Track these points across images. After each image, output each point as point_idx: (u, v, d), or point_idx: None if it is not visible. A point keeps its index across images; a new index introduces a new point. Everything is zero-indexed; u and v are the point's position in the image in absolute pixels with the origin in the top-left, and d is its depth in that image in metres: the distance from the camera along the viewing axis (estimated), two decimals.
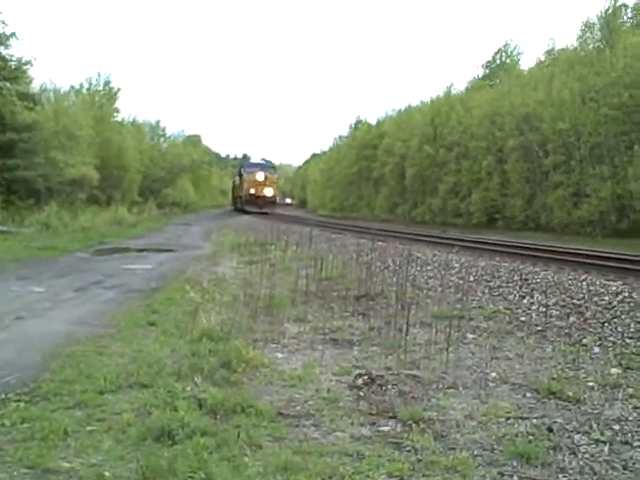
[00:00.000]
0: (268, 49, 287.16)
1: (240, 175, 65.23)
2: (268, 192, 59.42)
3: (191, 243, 26.22)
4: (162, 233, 33.64)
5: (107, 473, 4.15)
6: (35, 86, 40.87)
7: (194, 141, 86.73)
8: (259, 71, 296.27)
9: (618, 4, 35.97)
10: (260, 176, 59.19)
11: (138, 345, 7.56)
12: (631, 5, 36.79)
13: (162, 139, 75.80)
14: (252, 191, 58.38)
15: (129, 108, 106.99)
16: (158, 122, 75.78)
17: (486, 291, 10.94)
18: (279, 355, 7.25)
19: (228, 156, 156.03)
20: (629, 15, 37.13)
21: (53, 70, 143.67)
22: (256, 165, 64.11)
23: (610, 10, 35.68)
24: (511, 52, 53.38)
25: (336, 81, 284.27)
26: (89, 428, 4.92)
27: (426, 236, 19.09)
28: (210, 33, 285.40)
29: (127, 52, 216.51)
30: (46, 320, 9.38)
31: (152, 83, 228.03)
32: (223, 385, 5.84)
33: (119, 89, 54.51)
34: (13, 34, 32.78)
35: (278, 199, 79.42)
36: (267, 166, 64.58)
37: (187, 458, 4.20)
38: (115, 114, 54.71)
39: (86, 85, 52.37)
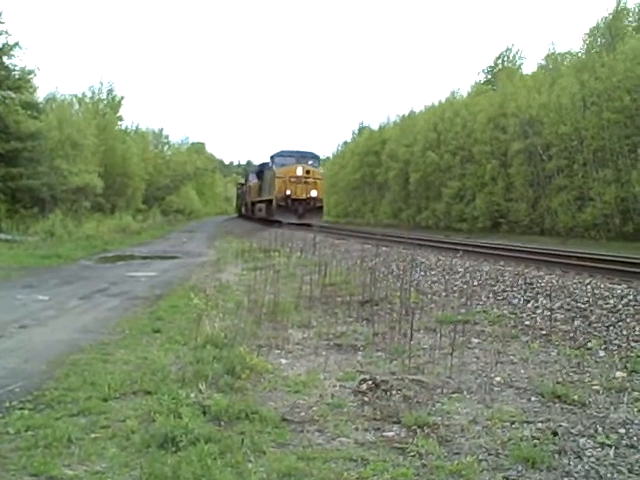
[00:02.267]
0: (271, 55, 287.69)
1: (259, 173, 48.20)
2: (312, 193, 38.34)
3: (195, 250, 26.23)
4: (166, 240, 33.69)
5: None
6: (39, 95, 41.06)
7: (198, 148, 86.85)
8: (263, 77, 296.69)
9: (620, 7, 36.01)
10: (300, 170, 38.61)
11: (142, 352, 7.56)
12: (632, 9, 36.84)
13: (166, 147, 76.04)
14: (288, 192, 37.92)
15: (133, 116, 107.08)
16: (161, 130, 76.12)
17: (490, 295, 10.91)
18: (283, 361, 7.24)
19: (232, 163, 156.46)
20: (630, 19, 37.16)
21: (57, 79, 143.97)
22: (292, 154, 41.41)
23: (612, 14, 35.72)
24: (513, 56, 53.43)
25: (339, 87, 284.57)
26: (93, 435, 4.91)
27: (430, 241, 19.07)
28: (214, 40, 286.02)
29: (130, 60, 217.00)
30: (50, 328, 9.38)
31: (156, 91, 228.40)
32: (227, 391, 5.83)
33: (122, 97, 54.90)
34: (17, 44, 33.06)
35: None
36: (309, 155, 42.10)
37: (191, 465, 4.19)
38: (119, 122, 54.96)
39: (89, 94, 52.76)
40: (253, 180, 52.79)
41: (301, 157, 40.10)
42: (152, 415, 5.17)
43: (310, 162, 40.05)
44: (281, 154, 40.86)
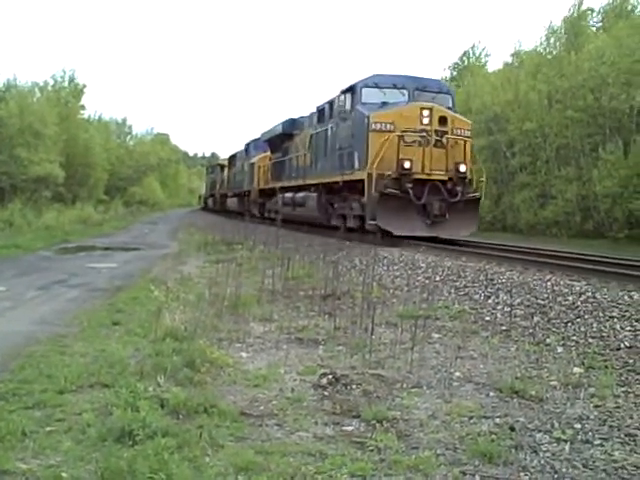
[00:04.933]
0: (236, 46, 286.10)
1: (282, 136, 27.89)
2: (461, 167, 17.17)
3: (157, 242, 26.03)
4: (128, 232, 33.36)
5: (65, 474, 4.07)
6: None
7: (162, 139, 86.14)
8: (228, 69, 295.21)
9: (583, 8, 36.49)
10: (426, 115, 16.94)
11: (101, 345, 7.46)
12: (597, 9, 37.34)
13: (129, 137, 75.25)
14: (406, 164, 16.58)
15: (95, 105, 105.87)
16: (125, 120, 75.36)
17: (452, 291, 10.98)
18: (244, 355, 7.20)
19: (196, 155, 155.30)
20: (595, 20, 37.67)
21: (17, 67, 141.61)
22: (398, 82, 18.73)
23: (575, 14, 36.14)
24: (479, 54, 53.72)
25: (305, 79, 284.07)
26: (48, 429, 4.83)
27: (394, 236, 19.08)
28: (179, 31, 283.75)
29: (93, 48, 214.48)
30: (7, 319, 9.22)
31: (120, 80, 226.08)
32: (186, 385, 5.78)
33: (85, 86, 54.04)
34: None
35: None
36: (433, 85, 19.43)
37: (147, 459, 4.14)
38: (81, 111, 54.14)
39: (51, 82, 51.79)
40: (254, 155, 35.02)
41: (419, 89, 18.57)
42: (109, 408, 5.10)
43: (440, 100, 18.46)
44: (372, 82, 18.61)
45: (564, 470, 4.18)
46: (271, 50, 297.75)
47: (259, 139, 34.60)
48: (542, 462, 4.30)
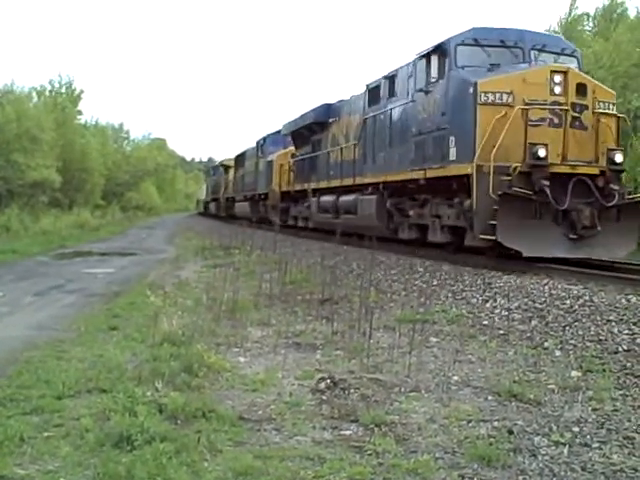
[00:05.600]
0: (234, 51, 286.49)
1: (318, 125, 22.81)
2: (617, 157, 12.07)
3: (154, 247, 26.01)
4: (125, 237, 33.36)
5: None
6: None
7: (159, 144, 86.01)
8: (226, 75, 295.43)
9: (579, 13, 36.53)
10: (558, 83, 11.83)
11: (98, 350, 7.45)
12: (592, 14, 37.37)
13: (126, 142, 75.21)
14: (541, 151, 11.48)
15: (92, 110, 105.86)
16: (122, 125, 75.29)
17: (449, 295, 10.98)
18: (241, 359, 7.19)
19: (193, 159, 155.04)
20: (590, 25, 37.68)
21: (14, 72, 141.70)
22: (508, 36, 13.43)
23: (570, 19, 36.20)
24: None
25: (303, 83, 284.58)
26: (46, 434, 4.82)
27: (393, 240, 19.07)
28: (176, 36, 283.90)
29: (90, 53, 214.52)
30: (4, 325, 9.22)
31: (117, 85, 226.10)
32: (184, 390, 5.77)
33: (82, 91, 53.98)
34: None
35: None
36: (557, 44, 14.14)
37: (146, 464, 4.13)
38: (78, 117, 54.11)
39: (48, 87, 51.75)
40: (272, 152, 30.61)
41: (537, 47, 13.71)
42: (107, 413, 5.10)
43: (571, 63, 13.62)
44: (471, 37, 13.47)
45: (563, 473, 4.19)
46: (269, 55, 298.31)
47: (278, 133, 30.53)
48: (541, 465, 4.31)
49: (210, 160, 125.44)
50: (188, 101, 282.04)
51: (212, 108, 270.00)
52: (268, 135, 32.96)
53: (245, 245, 19.51)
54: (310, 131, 23.65)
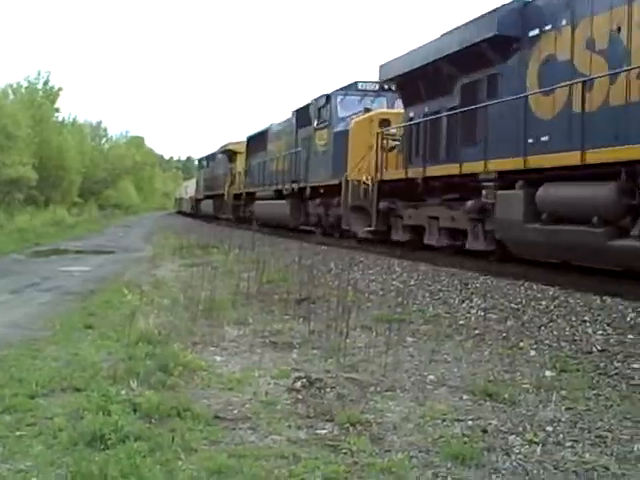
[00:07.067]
0: (212, 50, 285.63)
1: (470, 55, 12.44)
2: None
3: (132, 245, 25.87)
4: (102, 235, 33.16)
5: (35, 479, 4.03)
6: None
7: (137, 142, 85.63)
8: (205, 74, 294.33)
9: None
10: None
11: (73, 348, 7.38)
12: None
13: (104, 140, 74.80)
14: None
15: (70, 108, 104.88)
16: (100, 122, 74.94)
17: (427, 295, 11.03)
18: (218, 358, 7.16)
19: (172, 158, 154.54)
20: None
21: None
22: None
23: None
24: None
25: (281, 81, 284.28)
26: (18, 433, 4.76)
27: (371, 241, 19.12)
28: (155, 34, 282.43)
29: (69, 51, 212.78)
30: None
31: (95, 83, 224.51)
32: (159, 389, 5.73)
33: (60, 89, 53.55)
34: None
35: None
36: None
37: (119, 463, 4.10)
38: (55, 114, 53.67)
39: (25, 84, 51.28)
40: (344, 117, 20.29)
41: None
42: (81, 412, 5.04)
43: None
44: None
45: (535, 472, 4.21)
46: (250, 55, 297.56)
47: (354, 85, 20.41)
48: (514, 464, 4.33)
49: (189, 159, 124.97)
50: (167, 100, 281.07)
51: (191, 107, 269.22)
52: (334, 92, 20.78)
53: (223, 244, 19.48)
54: (449, 76, 13.75)
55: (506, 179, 11.71)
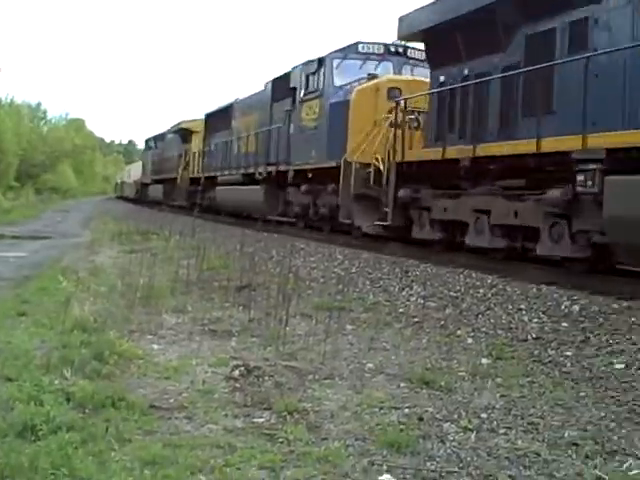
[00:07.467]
0: (157, 31, 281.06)
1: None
2: None
3: (69, 231, 25.35)
4: (39, 220, 32.41)
5: None
6: None
7: (77, 125, 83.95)
8: (148, 56, 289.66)
9: None
10: None
11: (5, 336, 7.16)
12: None
13: (42, 122, 73.05)
14: None
15: (7, 88, 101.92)
16: (39, 104, 73.17)
17: (367, 282, 11.09)
18: (155, 346, 7.06)
19: (113, 142, 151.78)
20: None
21: None
22: None
23: None
24: None
25: (227, 65, 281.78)
26: None
27: (312, 228, 19.14)
28: (98, 12, 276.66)
29: (5, 27, 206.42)
30: None
31: (34, 63, 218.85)
32: (94, 378, 5.62)
33: None
34: None
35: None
36: None
37: (50, 454, 4.00)
38: None
39: None
40: (348, 81, 16.54)
41: None
42: (11, 403, 4.91)
43: None
44: None
45: (469, 459, 4.27)
46: (192, 36, 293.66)
47: (354, 47, 17.01)
48: (448, 451, 4.38)
49: (130, 143, 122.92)
50: (109, 82, 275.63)
51: (133, 90, 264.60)
52: (329, 54, 17.27)
53: (164, 230, 19.23)
54: (522, 12, 10.63)
55: (618, 160, 8.58)
